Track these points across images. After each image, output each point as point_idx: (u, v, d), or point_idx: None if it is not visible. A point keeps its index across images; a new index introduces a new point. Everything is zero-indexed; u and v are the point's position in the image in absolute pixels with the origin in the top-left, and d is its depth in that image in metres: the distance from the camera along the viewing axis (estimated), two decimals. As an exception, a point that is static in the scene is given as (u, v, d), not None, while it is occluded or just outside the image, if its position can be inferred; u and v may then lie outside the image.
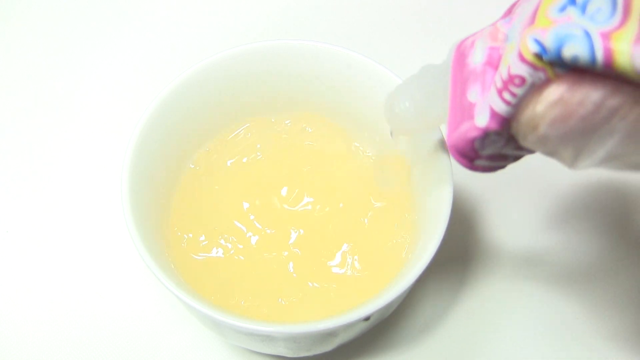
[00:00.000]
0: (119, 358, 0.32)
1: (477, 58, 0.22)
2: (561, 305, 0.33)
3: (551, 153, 0.20)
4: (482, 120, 0.21)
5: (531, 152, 0.22)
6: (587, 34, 0.17)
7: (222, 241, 0.30)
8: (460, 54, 0.23)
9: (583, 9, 0.18)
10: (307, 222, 0.31)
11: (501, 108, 0.20)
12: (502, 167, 0.23)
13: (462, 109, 0.22)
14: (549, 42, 0.18)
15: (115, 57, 0.42)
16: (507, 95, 0.19)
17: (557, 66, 0.18)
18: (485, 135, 0.21)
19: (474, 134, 0.21)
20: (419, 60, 0.27)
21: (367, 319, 0.25)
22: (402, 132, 0.27)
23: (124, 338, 0.32)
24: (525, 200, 0.36)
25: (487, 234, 0.35)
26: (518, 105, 0.20)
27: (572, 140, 0.19)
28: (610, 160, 0.19)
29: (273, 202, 0.31)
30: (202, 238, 0.30)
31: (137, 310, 0.33)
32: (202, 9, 0.45)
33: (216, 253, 0.30)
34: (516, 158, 0.23)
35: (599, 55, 0.17)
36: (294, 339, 0.26)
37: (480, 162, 0.23)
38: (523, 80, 0.19)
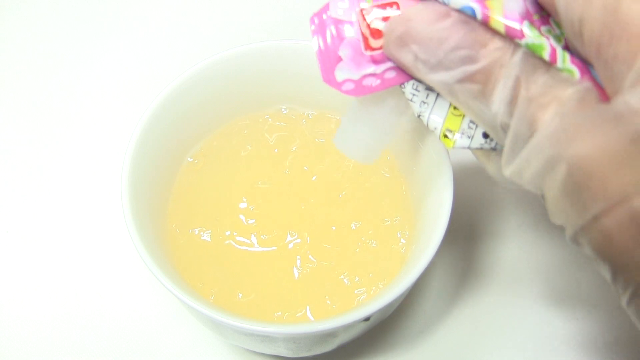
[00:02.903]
0: (119, 358, 0.32)
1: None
2: (561, 309, 0.33)
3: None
4: None
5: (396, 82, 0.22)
6: None
7: (221, 236, 0.30)
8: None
9: None
10: (308, 219, 0.31)
11: None
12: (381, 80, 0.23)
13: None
14: None
15: (115, 57, 0.42)
16: None
17: None
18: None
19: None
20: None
21: (367, 319, 0.25)
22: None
23: (124, 338, 0.32)
24: (527, 205, 0.36)
25: (488, 236, 0.35)
26: None
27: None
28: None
29: (272, 197, 0.31)
30: (201, 233, 0.30)
31: (137, 310, 0.33)
32: (202, 9, 0.45)
33: (215, 248, 0.30)
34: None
35: None
36: (294, 339, 0.26)
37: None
38: None
